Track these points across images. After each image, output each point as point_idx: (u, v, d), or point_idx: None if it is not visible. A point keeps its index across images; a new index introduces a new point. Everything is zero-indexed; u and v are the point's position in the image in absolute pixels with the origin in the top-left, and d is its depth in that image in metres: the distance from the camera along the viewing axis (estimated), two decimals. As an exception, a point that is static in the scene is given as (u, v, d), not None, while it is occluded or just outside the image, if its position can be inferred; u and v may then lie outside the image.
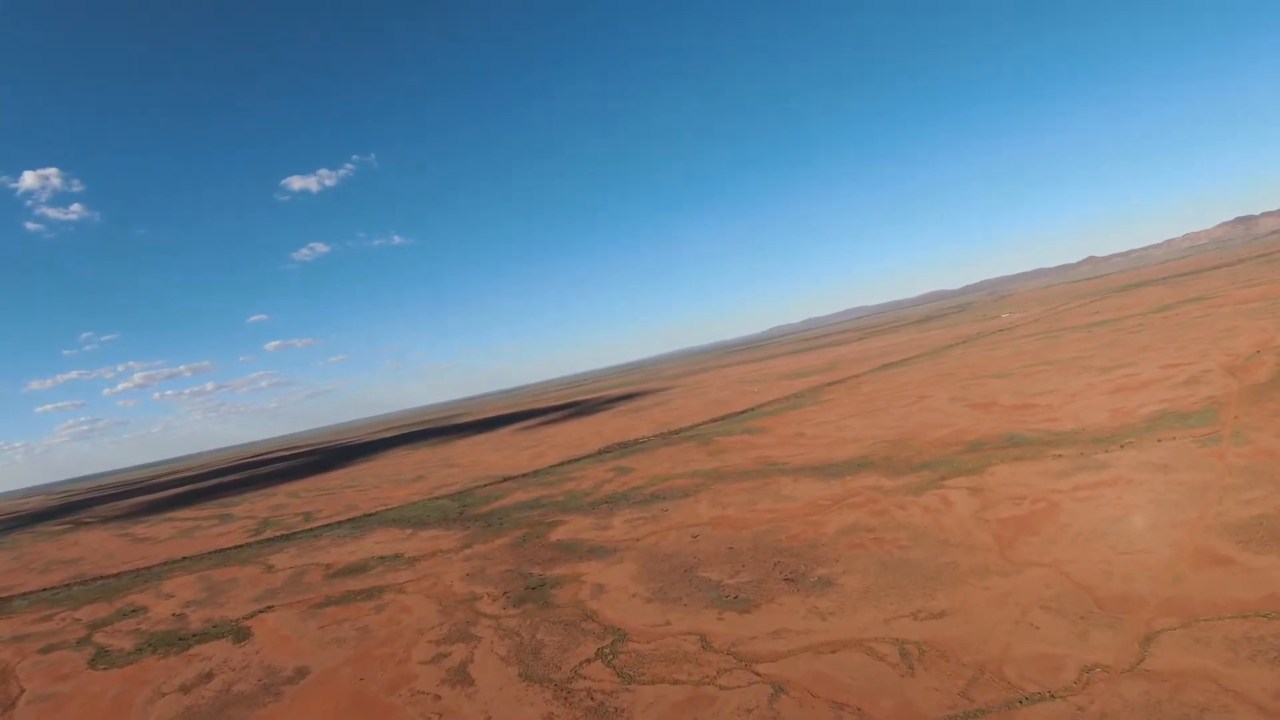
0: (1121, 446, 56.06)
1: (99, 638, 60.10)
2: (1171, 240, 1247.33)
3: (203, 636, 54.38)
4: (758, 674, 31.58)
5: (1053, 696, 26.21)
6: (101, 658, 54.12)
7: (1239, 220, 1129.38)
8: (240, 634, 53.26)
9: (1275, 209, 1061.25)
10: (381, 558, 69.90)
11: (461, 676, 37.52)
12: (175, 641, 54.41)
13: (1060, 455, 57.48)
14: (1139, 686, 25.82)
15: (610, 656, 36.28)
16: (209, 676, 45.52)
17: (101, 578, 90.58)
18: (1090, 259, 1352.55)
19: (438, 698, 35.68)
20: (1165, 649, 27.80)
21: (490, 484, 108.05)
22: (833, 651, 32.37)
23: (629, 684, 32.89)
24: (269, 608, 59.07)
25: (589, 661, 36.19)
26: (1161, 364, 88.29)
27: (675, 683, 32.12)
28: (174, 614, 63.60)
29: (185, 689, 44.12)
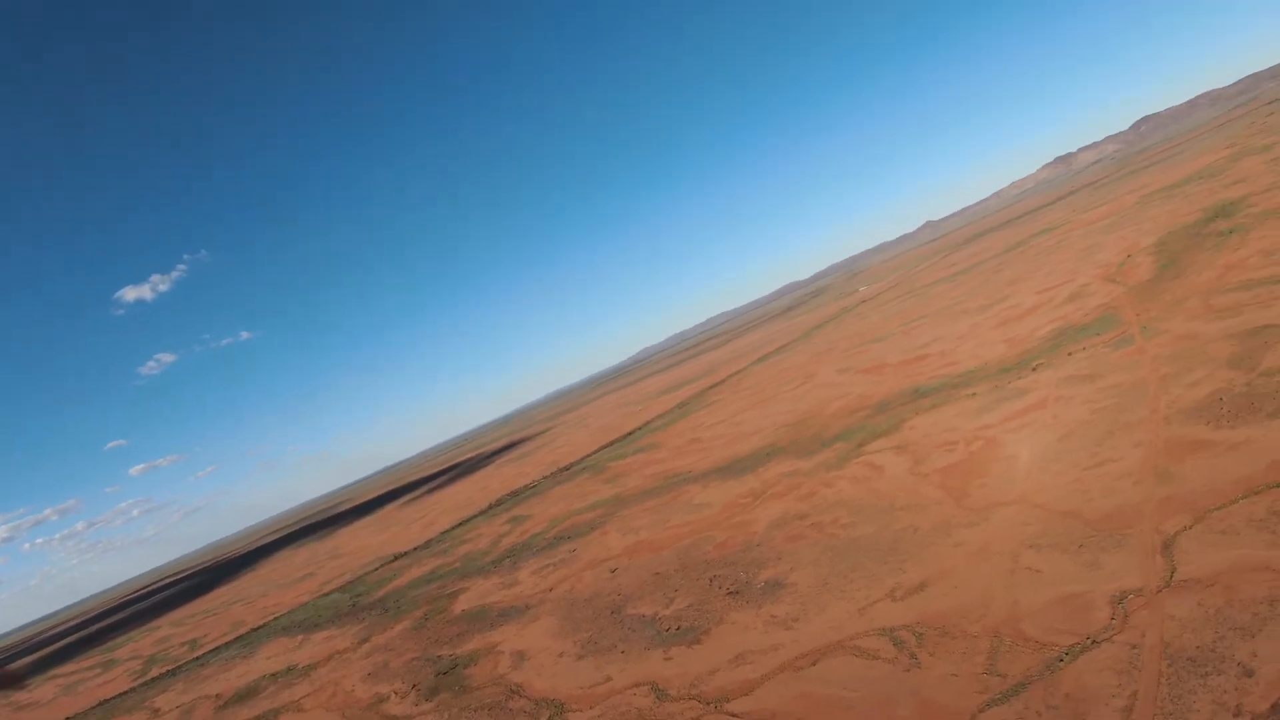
0: (1034, 369, 53.55)
1: None
2: (1000, 190, 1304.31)
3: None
4: (733, 715, 24.88)
5: (1096, 642, 21.22)
6: None
7: (1059, 160, 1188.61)
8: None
9: (1089, 144, 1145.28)
10: (274, 675, 59.77)
11: (362, 814, 28.95)
12: None
13: (974, 393, 54.37)
14: (1188, 600, 21.27)
15: (548, 738, 28.62)
16: None
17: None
18: (928, 224, 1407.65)
19: None
20: (1192, 551, 23.59)
21: (381, 566, 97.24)
22: (813, 663, 26.18)
23: (577, 769, 25.45)
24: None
25: (523, 751, 28.41)
26: (1037, 290, 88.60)
27: (634, 753, 24.92)
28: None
29: None
